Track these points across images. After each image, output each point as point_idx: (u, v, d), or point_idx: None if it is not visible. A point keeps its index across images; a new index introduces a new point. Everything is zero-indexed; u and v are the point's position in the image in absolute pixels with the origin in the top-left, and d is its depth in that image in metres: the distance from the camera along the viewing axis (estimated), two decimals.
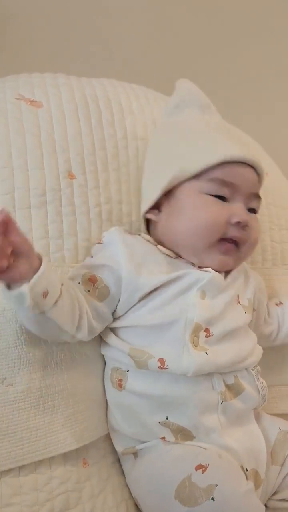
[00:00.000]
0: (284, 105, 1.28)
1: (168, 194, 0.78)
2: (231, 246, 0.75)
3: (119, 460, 0.76)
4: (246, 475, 0.69)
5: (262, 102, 1.27)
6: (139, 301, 0.72)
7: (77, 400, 0.71)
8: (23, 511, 0.62)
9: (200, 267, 0.76)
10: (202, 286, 0.73)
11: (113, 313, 0.74)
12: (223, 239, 0.74)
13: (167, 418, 0.69)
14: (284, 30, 1.29)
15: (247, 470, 0.69)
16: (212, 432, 0.70)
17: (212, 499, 0.59)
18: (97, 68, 1.01)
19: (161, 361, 0.68)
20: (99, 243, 0.77)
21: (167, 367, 0.68)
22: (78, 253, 0.78)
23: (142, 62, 1.16)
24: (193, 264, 0.77)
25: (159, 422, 0.69)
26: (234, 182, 0.75)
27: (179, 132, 0.82)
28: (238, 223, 0.73)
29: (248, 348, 0.75)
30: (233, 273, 0.79)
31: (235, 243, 0.75)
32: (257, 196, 0.79)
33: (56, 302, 0.63)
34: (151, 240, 0.79)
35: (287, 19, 1.29)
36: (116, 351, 0.73)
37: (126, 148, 0.88)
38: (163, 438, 0.69)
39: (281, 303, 0.88)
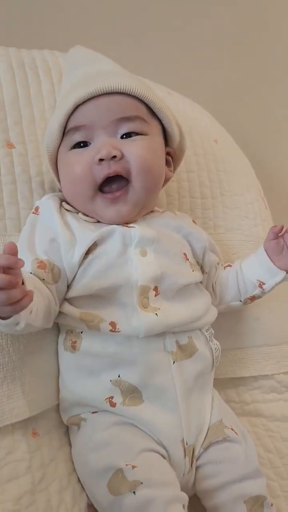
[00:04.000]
0: (233, 76, 1.28)
1: None
2: (113, 194, 0.71)
3: None
4: (184, 450, 0.69)
5: (214, 74, 1.27)
6: (79, 267, 0.70)
7: (23, 372, 0.70)
8: None
9: (125, 225, 0.74)
10: (138, 243, 0.72)
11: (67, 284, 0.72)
12: (104, 189, 0.72)
13: (119, 376, 0.68)
14: None
15: (186, 444, 0.69)
16: (162, 394, 0.69)
17: (134, 492, 0.60)
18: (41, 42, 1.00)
19: (112, 324, 0.68)
20: (34, 213, 0.75)
21: (119, 330, 0.68)
22: (20, 222, 0.78)
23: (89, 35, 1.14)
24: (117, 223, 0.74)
25: (110, 381, 0.69)
26: (83, 123, 0.72)
27: (57, 102, 0.83)
28: (102, 160, 0.69)
29: (201, 307, 0.75)
30: (161, 218, 0.78)
31: (122, 183, 0.71)
32: (129, 119, 0.72)
33: (37, 310, 0.62)
34: (71, 208, 0.76)
35: None
36: (69, 317, 0.71)
37: None
38: (111, 398, 0.68)
39: (229, 265, 0.85)
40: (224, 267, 0.85)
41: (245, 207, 1.01)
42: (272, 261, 0.78)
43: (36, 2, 1.14)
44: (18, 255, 0.67)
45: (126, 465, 0.62)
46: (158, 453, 0.67)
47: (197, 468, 0.71)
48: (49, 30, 1.13)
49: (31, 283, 0.63)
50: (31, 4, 1.14)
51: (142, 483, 0.61)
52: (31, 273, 0.68)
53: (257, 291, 0.81)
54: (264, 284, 0.80)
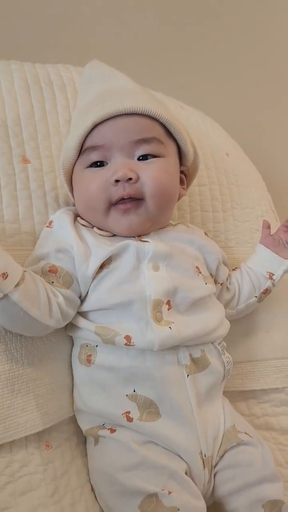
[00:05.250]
0: (245, 88, 1.29)
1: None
2: (125, 205, 0.72)
3: (84, 442, 0.76)
4: (203, 462, 0.70)
5: (225, 88, 1.28)
6: (93, 280, 0.72)
7: (38, 384, 0.71)
8: None
9: (138, 238, 0.75)
10: (151, 258, 0.73)
11: (79, 296, 0.73)
12: (118, 202, 0.72)
13: (134, 391, 0.69)
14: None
15: (205, 456, 0.70)
16: (178, 408, 0.70)
17: None
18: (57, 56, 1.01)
19: (127, 338, 0.69)
20: (48, 227, 0.76)
21: (133, 343, 0.68)
22: (35, 237, 0.78)
23: (102, 49, 1.15)
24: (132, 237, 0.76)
25: (126, 395, 0.69)
26: (101, 144, 0.73)
27: (73, 118, 0.84)
28: (117, 181, 0.71)
29: (214, 320, 0.75)
30: (173, 233, 0.79)
31: (135, 199, 0.72)
32: (146, 140, 0.73)
33: (17, 285, 0.62)
34: (86, 223, 0.77)
35: None
36: (83, 330, 0.73)
37: None
38: (128, 413, 0.69)
39: (237, 268, 0.90)
40: (233, 270, 0.90)
41: (256, 220, 1.01)
42: (274, 253, 0.86)
43: (49, 16, 1.16)
44: (30, 264, 0.71)
45: (162, 490, 0.63)
46: (183, 471, 0.68)
47: (214, 475, 0.72)
48: (62, 44, 1.15)
49: (21, 266, 0.65)
50: (44, 18, 1.15)
51: (179, 509, 0.63)
52: (40, 276, 0.69)
53: (268, 283, 0.86)
54: (274, 274, 0.86)
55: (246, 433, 0.74)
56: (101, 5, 1.19)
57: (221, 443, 0.72)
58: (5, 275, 0.61)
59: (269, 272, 0.86)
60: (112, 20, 1.20)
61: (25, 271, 0.66)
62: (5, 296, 0.62)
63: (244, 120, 1.25)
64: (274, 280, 0.86)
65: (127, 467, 0.67)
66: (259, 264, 0.87)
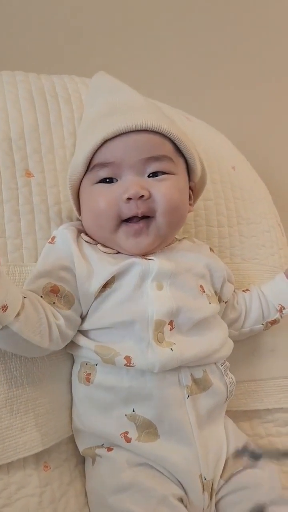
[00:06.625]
0: (251, 101, 1.28)
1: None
2: (137, 226, 0.71)
3: (83, 462, 0.75)
4: (203, 485, 0.68)
5: (231, 99, 1.27)
6: (96, 299, 0.71)
7: (37, 403, 0.70)
8: None
9: (143, 256, 0.74)
10: (155, 277, 0.71)
11: (80, 315, 0.72)
12: (129, 220, 0.71)
13: (133, 411, 0.68)
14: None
15: (205, 479, 0.68)
16: (178, 429, 0.68)
17: None
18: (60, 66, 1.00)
19: (127, 358, 0.67)
20: (50, 243, 0.75)
21: (133, 364, 0.67)
22: (37, 252, 0.77)
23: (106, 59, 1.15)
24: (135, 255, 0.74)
25: (126, 415, 0.68)
26: (112, 160, 0.72)
27: (80, 130, 0.83)
28: (129, 198, 0.70)
29: (217, 341, 0.74)
30: (180, 252, 0.77)
31: (146, 217, 0.72)
32: (157, 158, 0.72)
33: (18, 315, 0.61)
34: (90, 240, 0.76)
35: None
36: (83, 349, 0.72)
37: None
38: (126, 433, 0.68)
39: (248, 290, 0.88)
40: (243, 290, 0.87)
41: (262, 236, 1.00)
42: None
43: (54, 26, 1.15)
44: (32, 281, 0.70)
45: None
46: (176, 497, 0.66)
47: (219, 500, 0.70)
48: (67, 54, 1.14)
49: (21, 292, 0.64)
50: (48, 29, 1.15)
51: None
52: (41, 296, 0.68)
53: (277, 315, 0.84)
54: (284, 308, 0.83)
55: None
56: (107, 15, 1.18)
57: (226, 466, 0.71)
58: (5, 307, 0.59)
59: (280, 305, 0.84)
60: (118, 30, 1.19)
61: (24, 297, 0.64)
62: (5, 327, 0.61)
63: (251, 132, 1.24)
64: (282, 313, 0.84)
65: (117, 489, 0.65)
66: (274, 293, 0.85)
